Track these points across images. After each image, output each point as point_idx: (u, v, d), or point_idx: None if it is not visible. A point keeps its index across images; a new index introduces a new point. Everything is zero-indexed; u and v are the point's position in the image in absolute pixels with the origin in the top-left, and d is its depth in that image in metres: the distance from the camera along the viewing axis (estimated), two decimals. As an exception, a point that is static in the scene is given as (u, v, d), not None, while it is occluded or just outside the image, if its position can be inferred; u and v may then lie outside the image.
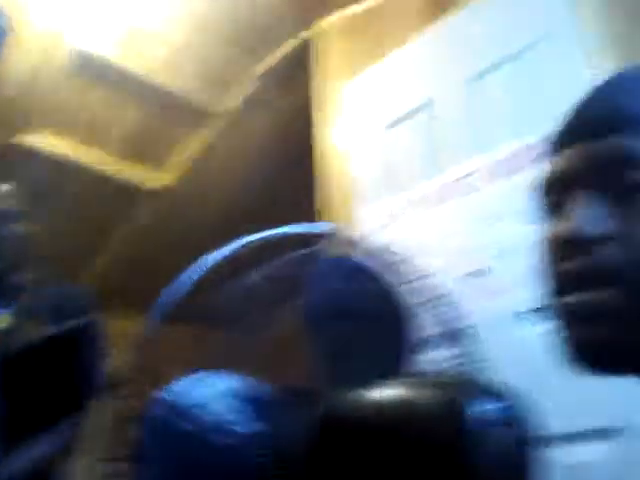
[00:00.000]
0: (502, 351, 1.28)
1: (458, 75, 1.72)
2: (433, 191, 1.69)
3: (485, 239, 1.51)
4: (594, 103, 0.56)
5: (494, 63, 1.64)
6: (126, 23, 2.27)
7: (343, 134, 2.01)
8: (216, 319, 0.89)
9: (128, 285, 2.87)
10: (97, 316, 1.03)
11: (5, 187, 1.15)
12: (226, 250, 0.86)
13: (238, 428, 0.66)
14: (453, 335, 0.91)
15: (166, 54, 2.42)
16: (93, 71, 2.36)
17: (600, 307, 0.49)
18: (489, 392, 0.63)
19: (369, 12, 2.07)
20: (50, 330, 0.99)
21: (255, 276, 0.89)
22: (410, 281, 0.93)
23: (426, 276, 0.95)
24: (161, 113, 2.63)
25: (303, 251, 0.91)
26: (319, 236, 0.96)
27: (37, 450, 0.90)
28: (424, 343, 0.88)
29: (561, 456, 1.22)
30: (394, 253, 0.95)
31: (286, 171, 2.80)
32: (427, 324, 0.90)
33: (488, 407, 0.59)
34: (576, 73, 1.43)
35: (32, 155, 2.48)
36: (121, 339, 0.97)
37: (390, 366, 0.79)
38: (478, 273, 1.51)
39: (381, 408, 0.62)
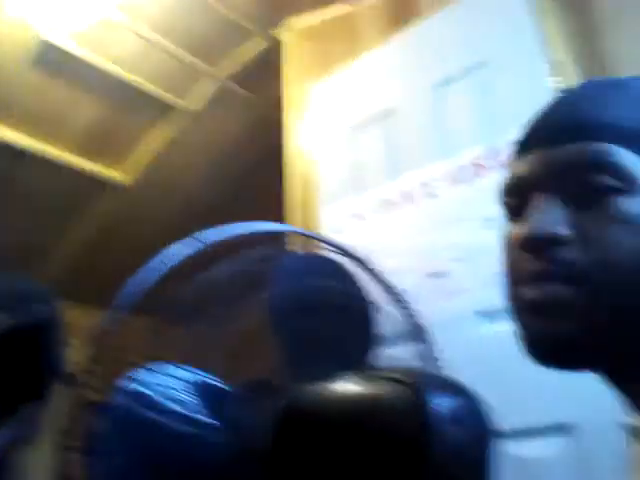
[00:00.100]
0: (461, 348, 1.31)
1: (425, 81, 1.75)
2: (397, 193, 1.71)
3: (446, 241, 1.54)
4: (558, 110, 0.57)
5: (460, 70, 1.67)
6: (92, 15, 2.23)
7: (310, 134, 2.02)
8: (178, 312, 0.88)
9: (88, 277, 2.83)
10: (56, 305, 1.02)
11: None
12: (189, 247, 0.85)
13: (202, 417, 0.66)
14: (415, 332, 0.92)
15: (131, 47, 2.39)
16: (56, 63, 2.32)
17: (557, 303, 0.50)
18: (449, 388, 0.64)
19: (340, 16, 2.09)
20: (8, 319, 0.97)
21: (218, 270, 0.89)
22: (373, 279, 0.94)
23: (388, 275, 0.96)
24: (124, 107, 2.60)
25: (268, 247, 0.92)
26: (284, 234, 0.97)
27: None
28: (387, 339, 0.89)
29: (517, 450, 1.25)
30: (357, 252, 0.96)
31: (252, 169, 2.79)
32: (389, 321, 0.91)
33: (449, 402, 0.61)
34: (539, 81, 1.47)
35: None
36: (80, 330, 0.96)
37: (353, 360, 0.80)
38: (439, 274, 1.53)
39: (344, 402, 0.63)
